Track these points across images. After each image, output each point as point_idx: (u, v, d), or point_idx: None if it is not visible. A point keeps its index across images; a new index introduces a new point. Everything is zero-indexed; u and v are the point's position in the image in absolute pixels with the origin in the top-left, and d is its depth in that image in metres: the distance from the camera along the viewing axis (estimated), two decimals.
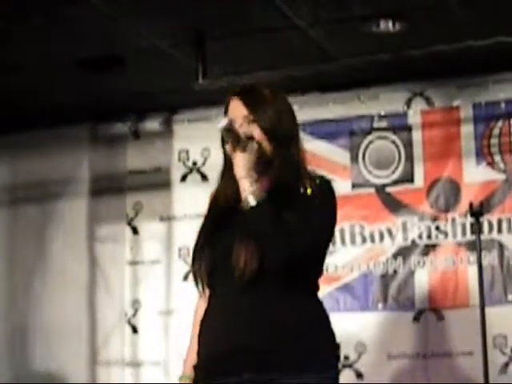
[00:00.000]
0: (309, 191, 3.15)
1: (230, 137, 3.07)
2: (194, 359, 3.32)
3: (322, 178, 3.30)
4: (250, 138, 3.11)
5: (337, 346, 3.29)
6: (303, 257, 3.05)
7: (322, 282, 5.97)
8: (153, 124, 6.86)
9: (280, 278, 3.07)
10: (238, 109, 3.23)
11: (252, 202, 3.04)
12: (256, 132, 3.13)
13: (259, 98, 3.28)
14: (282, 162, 3.17)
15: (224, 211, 3.25)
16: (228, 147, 3.12)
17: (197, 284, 3.25)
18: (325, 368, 3.11)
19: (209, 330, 3.25)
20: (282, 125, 3.21)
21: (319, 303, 3.23)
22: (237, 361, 3.08)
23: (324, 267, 3.26)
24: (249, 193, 3.04)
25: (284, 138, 3.21)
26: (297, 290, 3.16)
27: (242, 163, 3.07)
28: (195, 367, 3.30)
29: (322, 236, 3.21)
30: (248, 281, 3.03)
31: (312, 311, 3.22)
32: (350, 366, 6.12)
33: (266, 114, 3.19)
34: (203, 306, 3.31)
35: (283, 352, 3.05)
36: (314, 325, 3.17)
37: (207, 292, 3.27)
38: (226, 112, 3.30)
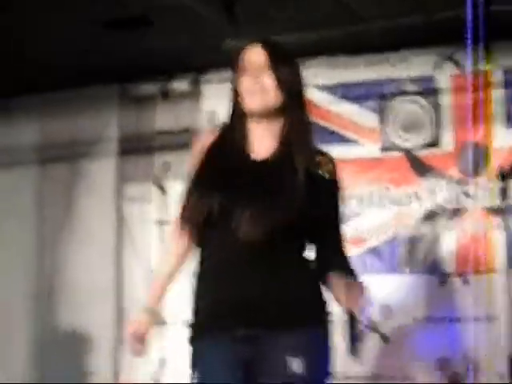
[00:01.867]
0: (327, 175, 3.14)
1: None
2: (159, 294, 3.28)
3: (331, 159, 3.24)
4: None
5: (327, 311, 3.17)
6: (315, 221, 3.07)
7: (350, 243, 6.07)
8: (181, 84, 6.85)
9: (283, 244, 3.05)
10: (257, 54, 3.16)
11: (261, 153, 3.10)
12: (270, 83, 3.08)
13: (281, 51, 3.23)
14: (294, 123, 3.15)
15: (229, 160, 3.19)
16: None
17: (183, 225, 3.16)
18: (317, 325, 3.10)
19: (213, 284, 3.19)
20: (299, 84, 3.19)
21: (312, 270, 3.21)
22: (235, 316, 3.05)
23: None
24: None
25: (298, 97, 3.17)
26: (295, 255, 3.16)
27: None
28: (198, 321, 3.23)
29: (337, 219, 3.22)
30: (260, 246, 2.98)
31: (312, 275, 3.21)
32: (375, 328, 6.11)
33: (285, 67, 3.13)
34: (180, 246, 3.25)
35: (280, 310, 3.02)
36: (315, 288, 3.16)
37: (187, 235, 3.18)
38: (237, 64, 3.22)
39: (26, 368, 7.13)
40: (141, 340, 3.23)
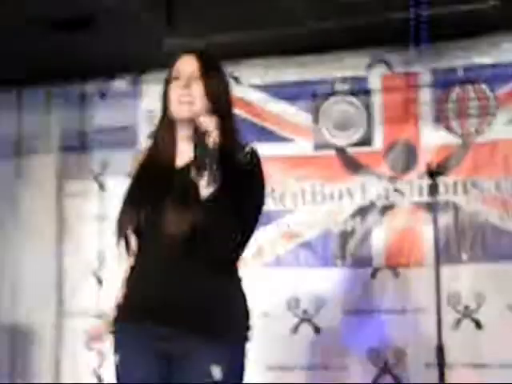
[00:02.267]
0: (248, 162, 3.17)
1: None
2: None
3: (252, 150, 3.27)
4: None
5: (248, 325, 3.28)
6: (237, 242, 3.10)
7: (283, 238, 6.71)
8: (121, 84, 6.86)
9: (213, 247, 3.09)
10: (189, 63, 3.22)
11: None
12: (199, 90, 3.13)
13: (212, 61, 3.30)
14: (225, 131, 3.14)
15: (159, 171, 3.25)
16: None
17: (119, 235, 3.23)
18: (244, 337, 3.22)
19: (139, 279, 3.27)
20: (227, 93, 3.28)
21: (239, 280, 3.28)
22: (159, 314, 3.12)
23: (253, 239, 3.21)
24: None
25: (226, 105, 3.25)
26: (221, 264, 3.18)
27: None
28: (119, 306, 3.33)
29: (253, 222, 3.22)
30: (176, 246, 3.06)
31: (232, 287, 3.27)
32: (309, 320, 6.17)
33: (216, 76, 3.23)
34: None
35: (204, 321, 3.11)
36: (235, 295, 3.25)
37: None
38: (170, 73, 3.27)
39: None
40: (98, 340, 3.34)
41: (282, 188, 6.36)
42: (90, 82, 6.96)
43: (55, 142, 7.04)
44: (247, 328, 3.25)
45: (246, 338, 3.24)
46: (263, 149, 5.86)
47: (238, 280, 3.31)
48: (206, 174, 3.03)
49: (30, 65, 6.51)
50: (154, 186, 3.21)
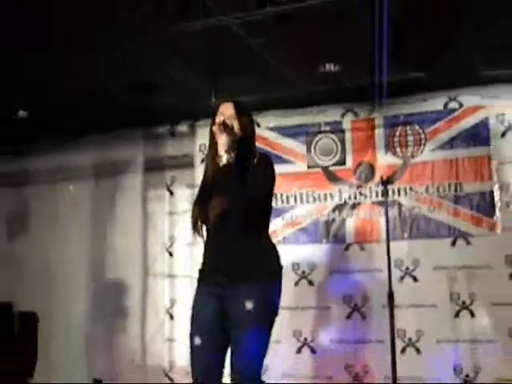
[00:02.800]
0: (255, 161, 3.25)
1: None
2: None
3: (264, 154, 3.44)
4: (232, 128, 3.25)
5: (280, 267, 3.34)
6: (255, 204, 3.19)
7: (287, 226, 6.23)
8: (183, 127, 6.84)
9: (241, 219, 3.20)
10: (228, 108, 3.36)
11: (224, 161, 3.16)
12: (236, 125, 3.27)
13: (242, 107, 3.40)
14: (245, 145, 3.28)
15: (211, 175, 3.32)
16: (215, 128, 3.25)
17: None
18: (271, 279, 3.27)
19: (207, 251, 3.34)
20: (251, 125, 3.42)
21: (268, 237, 3.37)
22: (217, 272, 3.24)
23: (271, 215, 3.36)
24: (223, 154, 3.16)
25: (250, 131, 3.39)
26: (253, 228, 3.26)
27: (223, 141, 3.19)
28: (199, 270, 3.41)
29: (266, 190, 3.33)
30: (220, 222, 3.22)
31: (263, 243, 3.35)
32: (306, 277, 6.19)
33: (244, 117, 3.35)
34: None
35: (243, 272, 3.20)
36: (263, 252, 3.32)
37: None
38: (215, 112, 3.37)
39: (84, 304, 7.03)
40: None
41: (286, 193, 6.35)
42: (164, 126, 6.91)
43: (141, 165, 7.05)
44: (274, 274, 3.32)
45: (272, 282, 3.29)
46: (276, 168, 6.12)
47: (266, 240, 3.37)
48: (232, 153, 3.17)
49: (122, 115, 6.46)
50: (206, 189, 3.35)
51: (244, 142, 3.31)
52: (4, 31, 4.32)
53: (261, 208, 3.30)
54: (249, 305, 3.16)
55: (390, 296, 4.24)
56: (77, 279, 7.08)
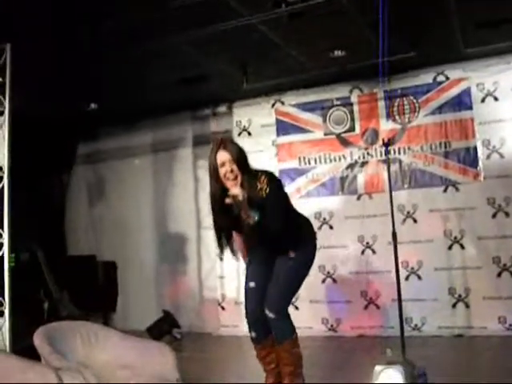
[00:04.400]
0: (265, 189, 3.26)
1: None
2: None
3: (267, 174, 3.36)
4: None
5: (315, 237, 3.56)
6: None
7: (310, 182, 6.23)
8: (222, 108, 6.80)
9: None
10: (225, 156, 3.31)
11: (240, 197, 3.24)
12: (234, 167, 3.29)
13: (235, 149, 3.36)
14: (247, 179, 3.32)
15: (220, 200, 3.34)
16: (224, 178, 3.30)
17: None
18: (307, 247, 3.51)
19: None
20: (245, 160, 3.38)
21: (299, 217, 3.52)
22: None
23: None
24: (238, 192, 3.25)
25: (246, 165, 3.37)
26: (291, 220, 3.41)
27: (236, 190, 3.27)
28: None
29: (284, 210, 3.38)
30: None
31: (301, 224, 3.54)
32: (326, 223, 6.23)
33: (239, 157, 3.33)
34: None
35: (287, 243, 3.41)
36: (302, 228, 3.53)
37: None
38: (217, 150, 3.33)
39: (152, 252, 7.17)
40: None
41: (308, 156, 6.37)
42: (208, 108, 6.86)
43: (190, 140, 7.03)
44: (307, 240, 3.56)
45: (307, 243, 3.54)
46: (298, 137, 6.12)
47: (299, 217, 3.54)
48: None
49: (176, 102, 6.51)
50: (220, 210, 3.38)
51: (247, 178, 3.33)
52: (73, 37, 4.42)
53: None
54: (292, 253, 3.40)
55: (394, 235, 4.27)
56: (145, 233, 7.24)
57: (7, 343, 4.27)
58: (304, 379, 3.48)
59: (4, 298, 4.41)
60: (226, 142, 3.41)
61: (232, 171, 3.32)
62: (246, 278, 3.56)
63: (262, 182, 3.29)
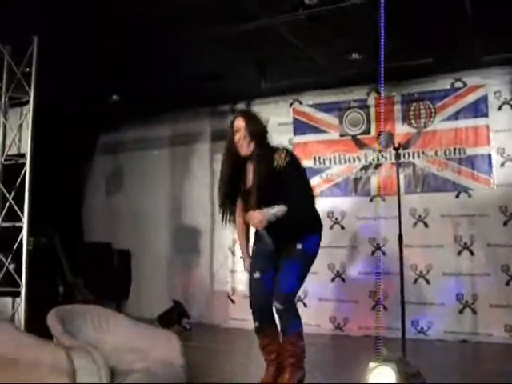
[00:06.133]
0: (282, 162, 3.33)
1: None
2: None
3: (286, 149, 3.49)
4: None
5: (320, 227, 3.56)
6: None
7: (324, 182, 6.27)
8: (241, 105, 6.78)
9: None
10: (241, 123, 3.50)
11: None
12: (247, 135, 3.42)
13: (253, 119, 3.53)
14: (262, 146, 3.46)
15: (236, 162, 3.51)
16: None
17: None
18: (313, 236, 3.51)
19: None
20: (261, 132, 3.51)
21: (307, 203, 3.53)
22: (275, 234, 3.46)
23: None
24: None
25: (261, 137, 3.50)
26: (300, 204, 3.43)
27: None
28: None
29: (304, 184, 3.49)
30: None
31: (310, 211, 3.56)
32: (338, 222, 6.28)
33: (254, 127, 3.48)
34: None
35: (294, 231, 3.42)
36: (309, 216, 3.53)
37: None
38: (232, 122, 3.52)
39: (166, 243, 7.27)
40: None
41: (323, 156, 6.41)
42: (226, 105, 6.91)
43: (208, 135, 7.10)
44: (315, 227, 3.57)
45: (315, 232, 3.54)
46: (314, 137, 6.10)
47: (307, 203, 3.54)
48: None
49: (194, 98, 6.55)
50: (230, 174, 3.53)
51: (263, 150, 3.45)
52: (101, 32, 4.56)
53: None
54: (299, 245, 3.44)
55: (400, 237, 4.25)
56: (160, 224, 7.34)
57: (22, 323, 4.44)
58: (305, 373, 3.53)
59: (21, 280, 4.59)
60: (246, 111, 3.66)
61: (245, 138, 3.43)
62: (251, 268, 3.62)
63: (280, 156, 3.36)
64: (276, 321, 3.57)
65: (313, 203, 3.53)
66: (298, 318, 3.52)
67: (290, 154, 3.44)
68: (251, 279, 3.60)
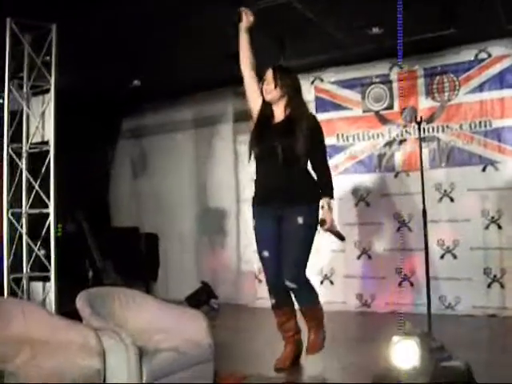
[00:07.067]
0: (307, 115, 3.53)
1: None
2: None
3: (311, 114, 3.64)
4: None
5: (319, 195, 3.55)
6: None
7: (348, 159, 6.28)
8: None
9: (298, 163, 3.47)
10: (271, 74, 3.68)
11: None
12: (274, 86, 3.57)
13: (283, 70, 3.69)
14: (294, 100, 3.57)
15: (266, 119, 3.61)
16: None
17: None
18: (313, 204, 3.54)
19: (261, 180, 3.59)
20: (286, 82, 3.62)
21: (308, 173, 3.59)
22: (274, 197, 3.50)
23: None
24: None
25: (292, 91, 3.60)
26: (303, 168, 3.54)
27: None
28: (254, 196, 3.67)
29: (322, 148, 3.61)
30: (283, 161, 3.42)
31: (309, 178, 3.60)
32: (364, 199, 6.28)
33: (283, 79, 3.62)
34: None
35: (295, 196, 3.47)
36: (309, 183, 3.57)
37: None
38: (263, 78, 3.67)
39: (192, 225, 7.32)
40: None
41: (346, 133, 6.41)
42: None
43: (231, 116, 7.11)
44: (316, 198, 3.57)
45: (315, 204, 3.55)
46: (336, 114, 6.09)
47: (308, 173, 3.59)
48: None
49: (217, 79, 6.53)
50: (263, 131, 3.58)
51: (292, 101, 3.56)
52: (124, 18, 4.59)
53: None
54: (300, 220, 3.46)
55: (424, 212, 4.23)
56: (185, 206, 7.41)
57: (53, 306, 4.57)
58: (325, 336, 3.67)
59: (51, 265, 4.73)
60: (280, 66, 3.75)
61: (274, 87, 3.58)
62: (257, 242, 3.66)
63: (307, 113, 3.56)
64: (292, 297, 3.64)
65: (331, 175, 3.61)
66: (314, 290, 3.61)
67: (316, 117, 3.64)
68: (261, 257, 3.64)
